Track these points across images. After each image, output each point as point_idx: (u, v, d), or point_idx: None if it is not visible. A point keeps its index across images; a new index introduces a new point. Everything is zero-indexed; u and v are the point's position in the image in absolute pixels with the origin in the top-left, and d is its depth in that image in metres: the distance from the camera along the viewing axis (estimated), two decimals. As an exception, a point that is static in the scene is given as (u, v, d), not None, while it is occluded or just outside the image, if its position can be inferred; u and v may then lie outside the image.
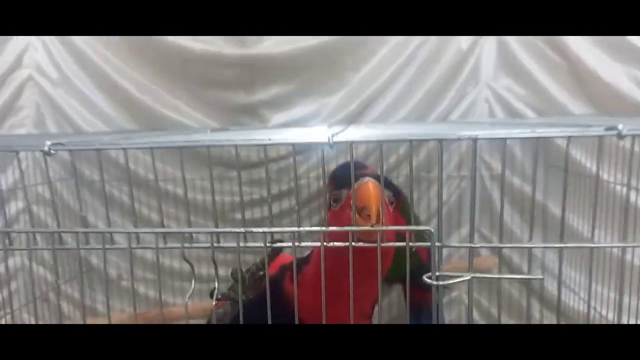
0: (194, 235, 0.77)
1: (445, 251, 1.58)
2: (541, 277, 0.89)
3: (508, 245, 1.12)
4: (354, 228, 0.71)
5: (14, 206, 1.53)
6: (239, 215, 1.08)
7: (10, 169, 1.50)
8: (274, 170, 1.56)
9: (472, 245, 0.75)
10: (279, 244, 0.79)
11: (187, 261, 0.72)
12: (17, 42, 1.59)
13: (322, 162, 0.74)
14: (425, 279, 0.69)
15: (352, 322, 0.76)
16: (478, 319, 1.59)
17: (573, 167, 1.36)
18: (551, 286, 1.50)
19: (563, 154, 1.39)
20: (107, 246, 0.77)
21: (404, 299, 1.45)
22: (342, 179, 0.88)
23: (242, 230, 0.71)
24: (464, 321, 1.63)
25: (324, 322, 0.71)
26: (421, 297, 1.30)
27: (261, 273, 0.83)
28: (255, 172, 1.55)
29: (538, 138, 0.72)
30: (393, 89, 1.56)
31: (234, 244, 0.72)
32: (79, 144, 0.79)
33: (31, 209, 1.52)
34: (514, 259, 1.54)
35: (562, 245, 0.76)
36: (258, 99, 1.58)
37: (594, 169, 1.41)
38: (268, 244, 0.71)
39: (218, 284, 0.73)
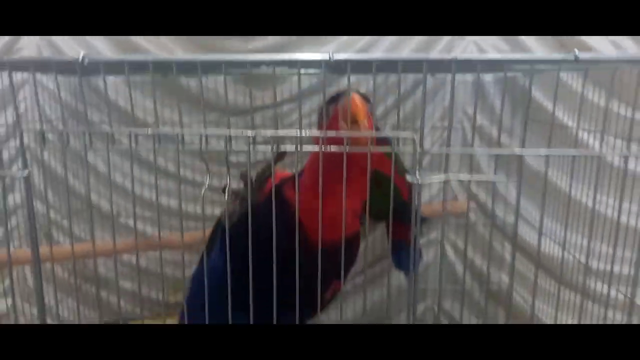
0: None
1: (426, 194, 1.71)
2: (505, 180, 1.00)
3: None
4: (347, 133, 0.81)
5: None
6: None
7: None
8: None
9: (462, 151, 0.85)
10: (282, 150, 0.88)
11: (204, 159, 0.82)
12: None
13: (324, 77, 0.83)
14: (409, 177, 0.80)
15: (344, 220, 0.87)
16: (454, 259, 1.73)
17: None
18: (522, 231, 1.64)
19: (540, 107, 1.53)
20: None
21: (387, 238, 1.57)
22: (330, 97, 0.98)
23: (252, 133, 0.80)
24: (438, 260, 1.77)
25: (320, 221, 0.82)
26: (402, 234, 1.43)
27: (266, 175, 0.91)
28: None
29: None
30: (386, 39, 1.63)
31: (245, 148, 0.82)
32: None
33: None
34: (488, 203, 1.67)
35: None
36: (254, 46, 1.63)
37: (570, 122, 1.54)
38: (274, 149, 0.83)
39: (230, 181, 0.83)
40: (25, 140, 1.00)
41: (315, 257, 0.85)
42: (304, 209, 0.86)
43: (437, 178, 0.83)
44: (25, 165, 0.94)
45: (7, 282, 1.63)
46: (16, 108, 1.13)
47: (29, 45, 1.64)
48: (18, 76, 1.54)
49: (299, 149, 0.82)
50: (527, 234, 1.65)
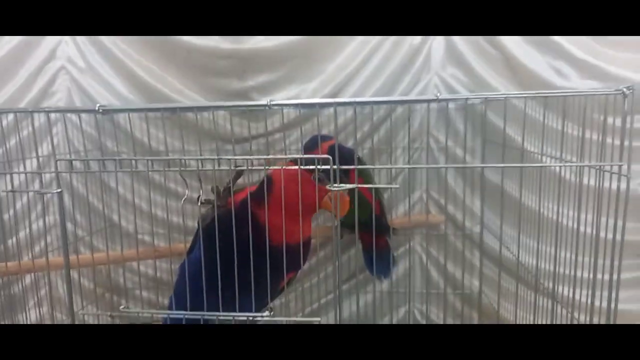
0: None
1: (401, 208, 1.93)
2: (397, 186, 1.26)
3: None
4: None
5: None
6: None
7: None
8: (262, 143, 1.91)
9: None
10: (240, 168, 1.17)
11: (183, 177, 1.12)
12: (51, 39, 1.95)
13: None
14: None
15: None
16: (428, 264, 1.94)
17: (508, 142, 1.70)
18: (489, 240, 1.84)
19: (499, 131, 1.75)
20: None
21: (362, 248, 1.79)
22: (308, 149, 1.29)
23: (216, 157, 1.12)
24: (416, 269, 1.97)
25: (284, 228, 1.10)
26: (376, 243, 1.66)
27: (229, 186, 1.24)
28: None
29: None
30: (360, 76, 1.89)
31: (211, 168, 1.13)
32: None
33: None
34: (457, 216, 1.88)
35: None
36: (249, 85, 1.92)
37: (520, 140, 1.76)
38: (233, 168, 1.15)
39: (202, 192, 1.11)
40: (59, 167, 1.29)
41: (276, 255, 1.12)
42: (269, 221, 1.16)
43: (346, 186, 1.09)
44: (59, 185, 1.22)
45: (41, 291, 1.90)
46: (52, 140, 1.44)
47: (61, 88, 1.97)
48: (52, 115, 1.86)
49: (249, 168, 1.12)
50: (491, 241, 1.85)
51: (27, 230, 1.68)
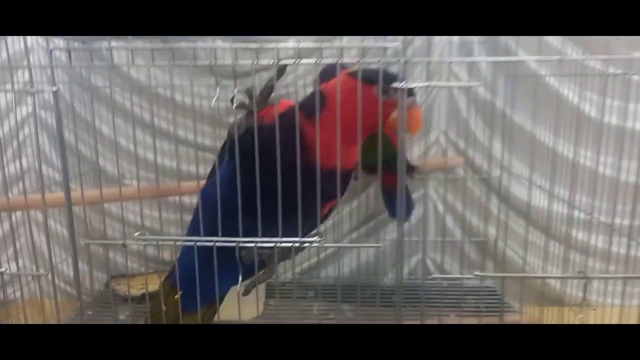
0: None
1: (416, 150, 1.80)
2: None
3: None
4: None
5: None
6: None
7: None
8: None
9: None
10: (284, 62, 0.94)
11: (214, 74, 0.94)
12: None
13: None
14: (394, 86, 0.90)
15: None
16: (442, 212, 1.82)
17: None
18: (510, 186, 1.73)
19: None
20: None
21: (380, 190, 1.66)
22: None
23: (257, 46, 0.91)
24: (430, 214, 1.86)
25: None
26: (395, 182, 1.52)
27: (270, 86, 0.99)
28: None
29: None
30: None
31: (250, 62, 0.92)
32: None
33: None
34: (476, 160, 1.75)
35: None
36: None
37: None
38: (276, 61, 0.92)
39: (237, 92, 0.92)
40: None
41: (322, 180, 0.93)
42: (314, 139, 0.95)
43: (421, 84, 0.91)
44: (54, 83, 0.99)
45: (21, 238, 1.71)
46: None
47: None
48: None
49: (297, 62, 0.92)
50: (515, 188, 1.74)
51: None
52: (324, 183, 0.93)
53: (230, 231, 0.94)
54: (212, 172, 1.14)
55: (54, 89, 0.93)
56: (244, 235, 0.94)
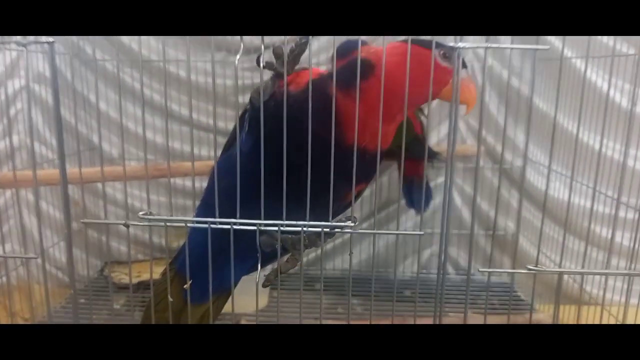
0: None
1: (435, 137, 1.70)
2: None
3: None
4: None
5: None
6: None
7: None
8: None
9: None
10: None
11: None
12: None
13: None
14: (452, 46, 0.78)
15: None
16: (460, 203, 1.73)
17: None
18: (531, 176, 1.63)
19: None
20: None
21: (398, 176, 1.56)
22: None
23: None
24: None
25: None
26: (414, 170, 1.42)
27: (304, 42, 0.85)
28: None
29: None
30: None
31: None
32: None
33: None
34: (497, 148, 1.66)
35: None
36: None
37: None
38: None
39: (264, 51, 0.79)
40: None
41: (346, 157, 0.81)
42: (350, 112, 0.82)
43: (479, 45, 0.79)
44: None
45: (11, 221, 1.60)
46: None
47: None
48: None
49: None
50: (535, 179, 1.64)
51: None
52: (358, 163, 0.81)
53: (246, 213, 0.83)
54: (227, 144, 1.03)
55: (51, 39, 0.80)
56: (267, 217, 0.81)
